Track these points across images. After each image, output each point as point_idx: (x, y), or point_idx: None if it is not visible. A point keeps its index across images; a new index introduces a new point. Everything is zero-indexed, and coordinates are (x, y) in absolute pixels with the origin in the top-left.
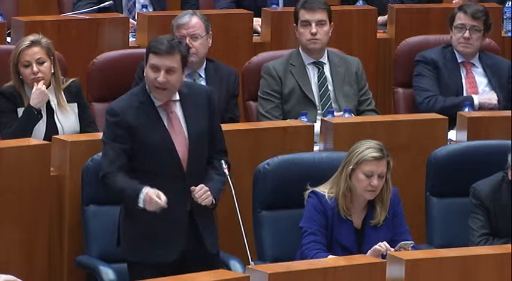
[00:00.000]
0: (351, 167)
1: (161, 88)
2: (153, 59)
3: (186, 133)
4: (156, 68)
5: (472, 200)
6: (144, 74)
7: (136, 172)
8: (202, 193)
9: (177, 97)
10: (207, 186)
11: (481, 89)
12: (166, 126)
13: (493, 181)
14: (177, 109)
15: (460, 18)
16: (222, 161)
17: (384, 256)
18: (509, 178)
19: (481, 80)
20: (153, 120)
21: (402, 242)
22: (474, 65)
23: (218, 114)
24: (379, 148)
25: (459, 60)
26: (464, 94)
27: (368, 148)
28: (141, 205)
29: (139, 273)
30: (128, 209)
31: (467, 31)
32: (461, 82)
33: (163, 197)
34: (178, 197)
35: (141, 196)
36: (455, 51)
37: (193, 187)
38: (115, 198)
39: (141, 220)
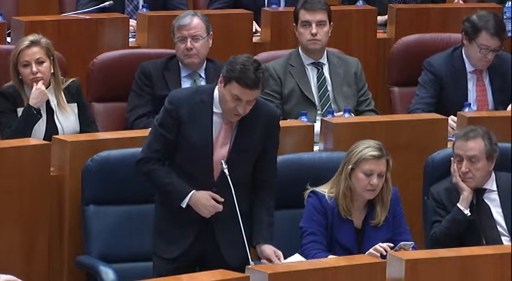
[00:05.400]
0: (350, 166)
1: (238, 115)
2: (237, 90)
3: (229, 147)
4: (238, 99)
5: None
6: (220, 94)
7: (171, 163)
8: (276, 258)
9: None
10: (264, 234)
11: (489, 97)
12: (214, 133)
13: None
14: (234, 121)
15: (487, 40)
16: (222, 161)
17: (383, 256)
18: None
19: (490, 88)
20: (204, 122)
21: (402, 243)
22: (484, 70)
23: (277, 141)
24: (378, 147)
25: (469, 70)
26: (474, 104)
27: (367, 147)
28: (183, 205)
29: (156, 265)
30: (160, 202)
31: (491, 53)
32: (466, 94)
33: (218, 199)
34: None
35: (188, 198)
36: (465, 58)
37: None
38: (148, 182)
39: (164, 214)
